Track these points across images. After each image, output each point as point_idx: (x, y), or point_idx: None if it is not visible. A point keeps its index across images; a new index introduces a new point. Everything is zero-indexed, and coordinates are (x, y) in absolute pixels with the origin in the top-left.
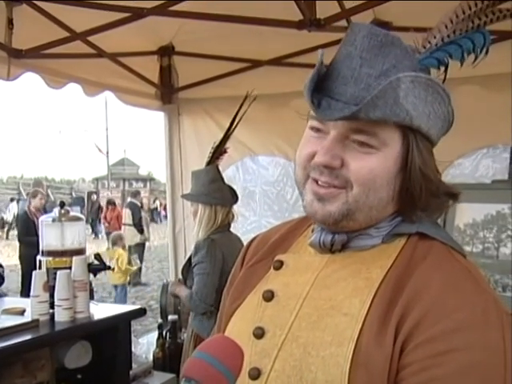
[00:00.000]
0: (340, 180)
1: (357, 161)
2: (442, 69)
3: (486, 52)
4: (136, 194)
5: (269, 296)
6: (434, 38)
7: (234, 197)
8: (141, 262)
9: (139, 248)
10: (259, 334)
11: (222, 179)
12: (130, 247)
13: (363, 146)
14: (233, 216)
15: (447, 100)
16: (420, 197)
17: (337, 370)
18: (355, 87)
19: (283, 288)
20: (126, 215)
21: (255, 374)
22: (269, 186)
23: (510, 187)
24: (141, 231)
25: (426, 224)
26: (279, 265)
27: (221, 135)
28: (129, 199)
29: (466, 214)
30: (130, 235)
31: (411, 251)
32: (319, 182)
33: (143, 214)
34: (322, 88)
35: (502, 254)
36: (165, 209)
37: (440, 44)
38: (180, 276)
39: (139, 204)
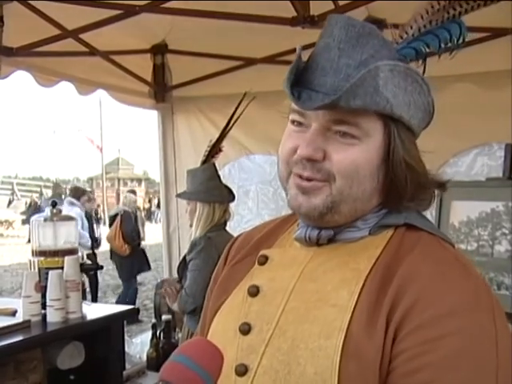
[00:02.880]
0: (323, 173)
1: (339, 152)
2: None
3: (463, 41)
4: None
5: (254, 291)
6: (411, 28)
7: (230, 195)
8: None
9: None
10: (245, 329)
11: (219, 177)
12: None
13: (345, 137)
14: (229, 214)
15: (427, 90)
16: (405, 187)
17: (327, 361)
18: (334, 78)
19: (268, 283)
20: None
21: (242, 370)
22: (265, 185)
23: (504, 185)
24: None
25: (413, 215)
26: (264, 260)
27: (215, 134)
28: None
29: (460, 211)
30: None
31: (399, 242)
32: (303, 177)
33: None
34: (301, 81)
35: (497, 252)
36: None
37: (417, 34)
38: (174, 275)
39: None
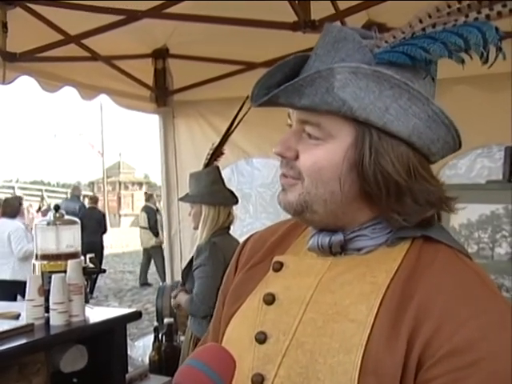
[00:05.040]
0: (294, 171)
1: (305, 152)
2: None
3: (499, 49)
4: (149, 197)
5: (270, 299)
6: (402, 32)
7: (234, 198)
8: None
9: (155, 250)
10: (261, 338)
11: (223, 180)
12: (145, 250)
13: (311, 138)
14: (233, 217)
15: (422, 97)
16: (380, 197)
17: (345, 377)
18: None
19: (285, 291)
20: (142, 218)
21: (259, 379)
22: (263, 188)
23: (504, 187)
24: (156, 234)
25: (431, 226)
26: (279, 266)
27: (216, 137)
28: (144, 203)
29: (460, 214)
30: (146, 238)
31: (417, 255)
32: (282, 173)
33: (158, 217)
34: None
35: (497, 254)
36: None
37: (408, 38)
38: (177, 279)
39: (154, 207)
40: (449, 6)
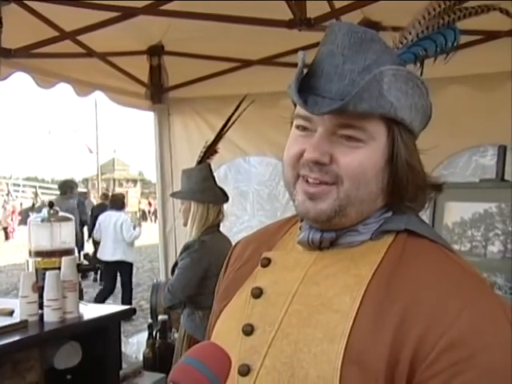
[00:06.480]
0: (330, 176)
1: (346, 155)
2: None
3: (457, 46)
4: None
5: (257, 293)
6: (410, 33)
7: (224, 196)
8: None
9: None
10: (248, 330)
11: (214, 178)
12: None
13: (351, 141)
14: (223, 215)
15: (426, 93)
16: (407, 188)
17: (328, 366)
18: (339, 83)
19: (272, 285)
20: None
21: (245, 370)
22: (261, 186)
23: (497, 186)
24: None
25: (414, 221)
26: (267, 262)
27: (211, 135)
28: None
29: (454, 212)
30: None
31: (401, 248)
32: (309, 180)
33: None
34: (306, 87)
35: (490, 253)
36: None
37: (415, 39)
38: (170, 276)
39: None
40: (434, 10)
